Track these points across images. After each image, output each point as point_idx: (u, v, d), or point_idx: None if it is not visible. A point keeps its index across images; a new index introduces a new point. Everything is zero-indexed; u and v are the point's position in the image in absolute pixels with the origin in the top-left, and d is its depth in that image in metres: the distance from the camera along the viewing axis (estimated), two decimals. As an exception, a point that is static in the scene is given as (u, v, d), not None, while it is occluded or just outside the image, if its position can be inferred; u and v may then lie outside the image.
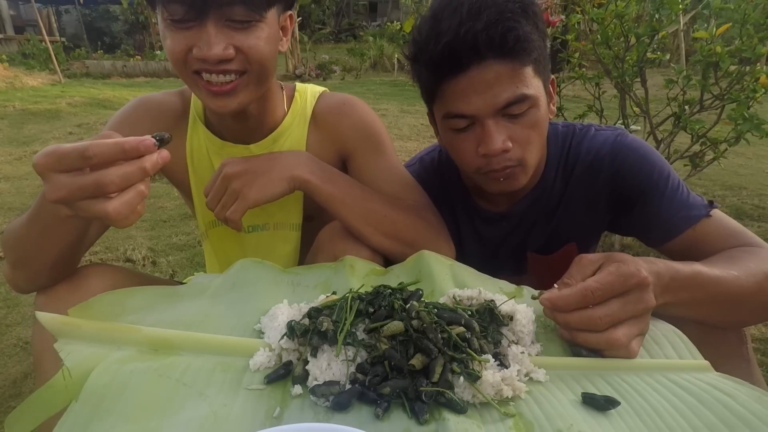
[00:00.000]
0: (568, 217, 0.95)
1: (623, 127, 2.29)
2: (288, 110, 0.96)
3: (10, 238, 0.71)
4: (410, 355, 0.52)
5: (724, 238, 0.79)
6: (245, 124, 0.90)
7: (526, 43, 0.74)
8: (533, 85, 0.77)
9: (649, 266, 0.61)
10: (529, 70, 0.76)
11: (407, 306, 0.57)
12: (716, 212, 0.82)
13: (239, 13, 0.72)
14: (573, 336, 0.59)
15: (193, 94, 0.95)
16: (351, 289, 0.64)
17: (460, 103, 0.77)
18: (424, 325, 0.54)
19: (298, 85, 1.00)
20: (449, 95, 0.79)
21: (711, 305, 0.67)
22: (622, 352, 0.58)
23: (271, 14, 0.77)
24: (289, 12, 0.85)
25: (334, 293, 0.67)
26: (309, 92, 0.99)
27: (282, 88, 0.97)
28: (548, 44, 0.85)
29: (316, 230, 0.90)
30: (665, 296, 0.62)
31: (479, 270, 0.78)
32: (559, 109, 2.32)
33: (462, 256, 0.90)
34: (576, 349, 0.61)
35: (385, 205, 0.85)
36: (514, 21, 0.73)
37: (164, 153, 0.55)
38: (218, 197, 0.79)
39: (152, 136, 0.54)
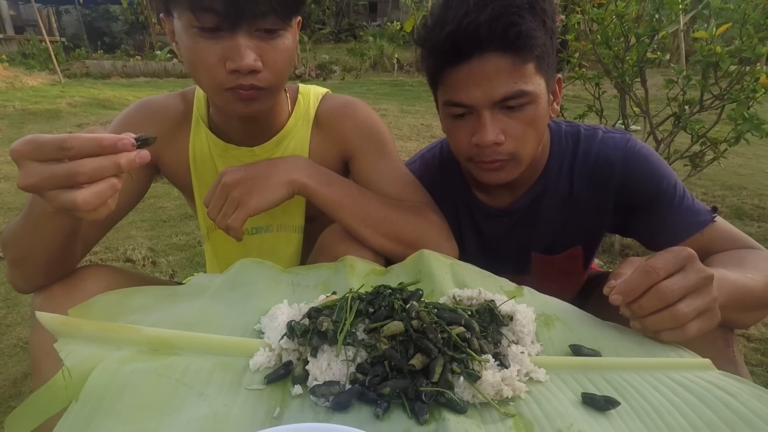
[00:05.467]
0: (576, 219, 0.96)
1: (623, 127, 2.29)
2: (291, 112, 0.96)
3: (8, 237, 0.72)
4: (410, 355, 0.52)
5: (729, 241, 0.83)
6: (252, 127, 0.90)
7: (529, 40, 0.74)
8: (533, 81, 0.78)
9: None
10: (530, 67, 0.77)
11: (407, 306, 0.57)
12: (718, 217, 0.86)
13: (270, 23, 0.72)
14: (645, 324, 0.61)
15: (195, 97, 0.95)
16: (351, 289, 0.63)
17: (460, 93, 0.79)
18: (424, 325, 0.54)
19: (301, 86, 1.00)
20: (450, 83, 0.80)
21: (732, 307, 0.67)
22: (679, 332, 0.59)
23: (293, 20, 0.78)
24: (299, 16, 0.85)
25: (334, 293, 0.67)
26: (312, 94, 0.99)
27: (286, 89, 0.96)
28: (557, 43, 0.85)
29: (318, 231, 0.90)
30: None
31: (480, 268, 0.78)
32: (560, 108, 2.32)
33: (463, 253, 0.90)
34: (576, 347, 0.61)
35: (385, 206, 0.85)
36: (518, 16, 0.73)
37: (143, 153, 0.54)
38: (218, 206, 0.78)
39: (134, 137, 0.54)
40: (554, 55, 0.82)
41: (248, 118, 0.85)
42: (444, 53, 0.78)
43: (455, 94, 0.79)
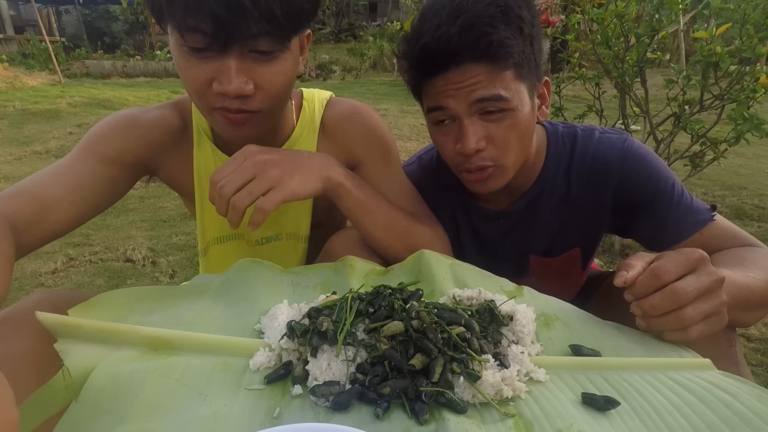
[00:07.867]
0: (574, 220, 0.95)
1: (623, 127, 2.29)
2: (297, 120, 0.93)
3: None
4: (410, 355, 0.52)
5: (729, 239, 0.83)
6: (257, 139, 0.88)
7: (502, 48, 0.74)
8: (512, 88, 0.77)
9: None
10: (508, 74, 0.77)
11: (407, 306, 0.57)
12: (718, 215, 0.86)
13: (264, 45, 0.68)
14: (651, 323, 0.60)
15: (194, 109, 0.91)
16: (351, 289, 0.63)
17: (439, 99, 0.80)
18: (424, 325, 0.54)
19: (305, 91, 0.97)
20: (430, 92, 0.81)
21: (734, 306, 0.66)
22: (681, 334, 0.59)
23: (294, 41, 0.74)
24: (308, 31, 0.80)
25: (334, 293, 0.67)
26: (317, 99, 0.96)
27: (290, 97, 0.92)
28: (542, 47, 0.84)
29: (319, 239, 0.89)
30: None
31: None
32: (559, 109, 2.32)
33: (461, 254, 0.90)
34: (576, 347, 0.61)
35: (406, 217, 0.84)
36: (489, 26, 0.73)
37: None
38: (241, 182, 0.69)
39: None
40: (537, 61, 0.82)
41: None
42: (420, 65, 0.80)
43: (435, 101, 0.81)
